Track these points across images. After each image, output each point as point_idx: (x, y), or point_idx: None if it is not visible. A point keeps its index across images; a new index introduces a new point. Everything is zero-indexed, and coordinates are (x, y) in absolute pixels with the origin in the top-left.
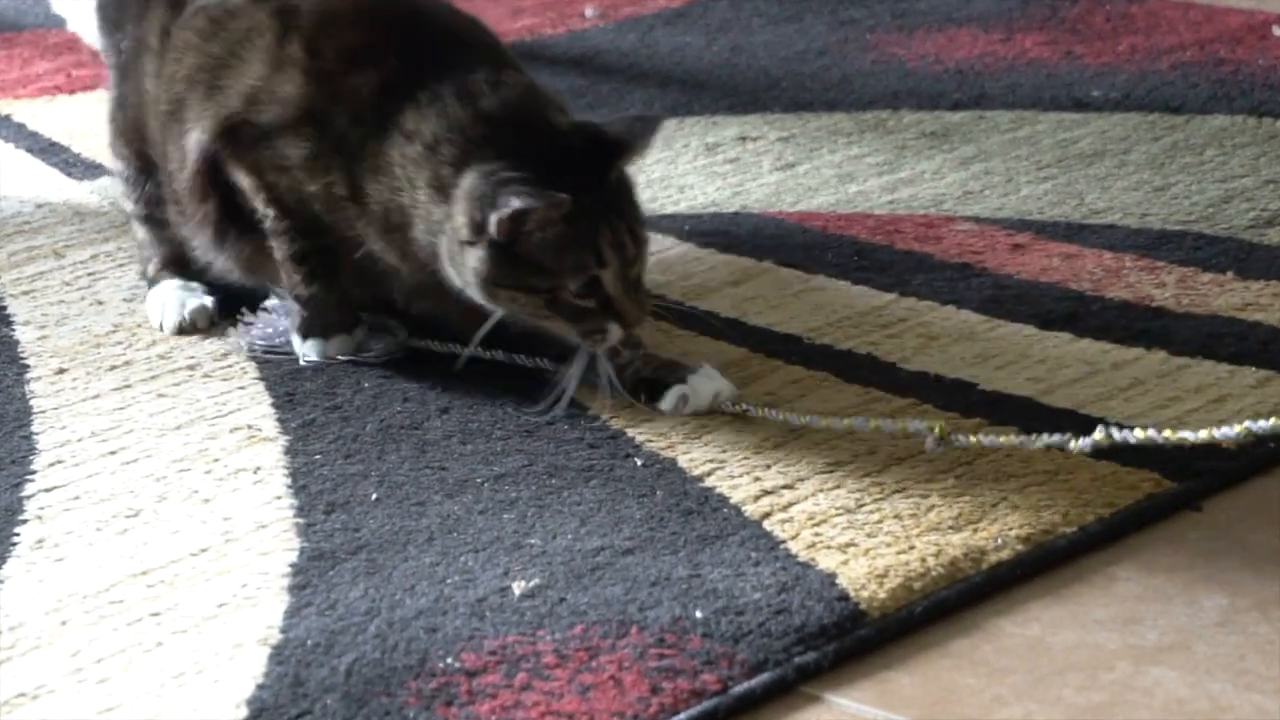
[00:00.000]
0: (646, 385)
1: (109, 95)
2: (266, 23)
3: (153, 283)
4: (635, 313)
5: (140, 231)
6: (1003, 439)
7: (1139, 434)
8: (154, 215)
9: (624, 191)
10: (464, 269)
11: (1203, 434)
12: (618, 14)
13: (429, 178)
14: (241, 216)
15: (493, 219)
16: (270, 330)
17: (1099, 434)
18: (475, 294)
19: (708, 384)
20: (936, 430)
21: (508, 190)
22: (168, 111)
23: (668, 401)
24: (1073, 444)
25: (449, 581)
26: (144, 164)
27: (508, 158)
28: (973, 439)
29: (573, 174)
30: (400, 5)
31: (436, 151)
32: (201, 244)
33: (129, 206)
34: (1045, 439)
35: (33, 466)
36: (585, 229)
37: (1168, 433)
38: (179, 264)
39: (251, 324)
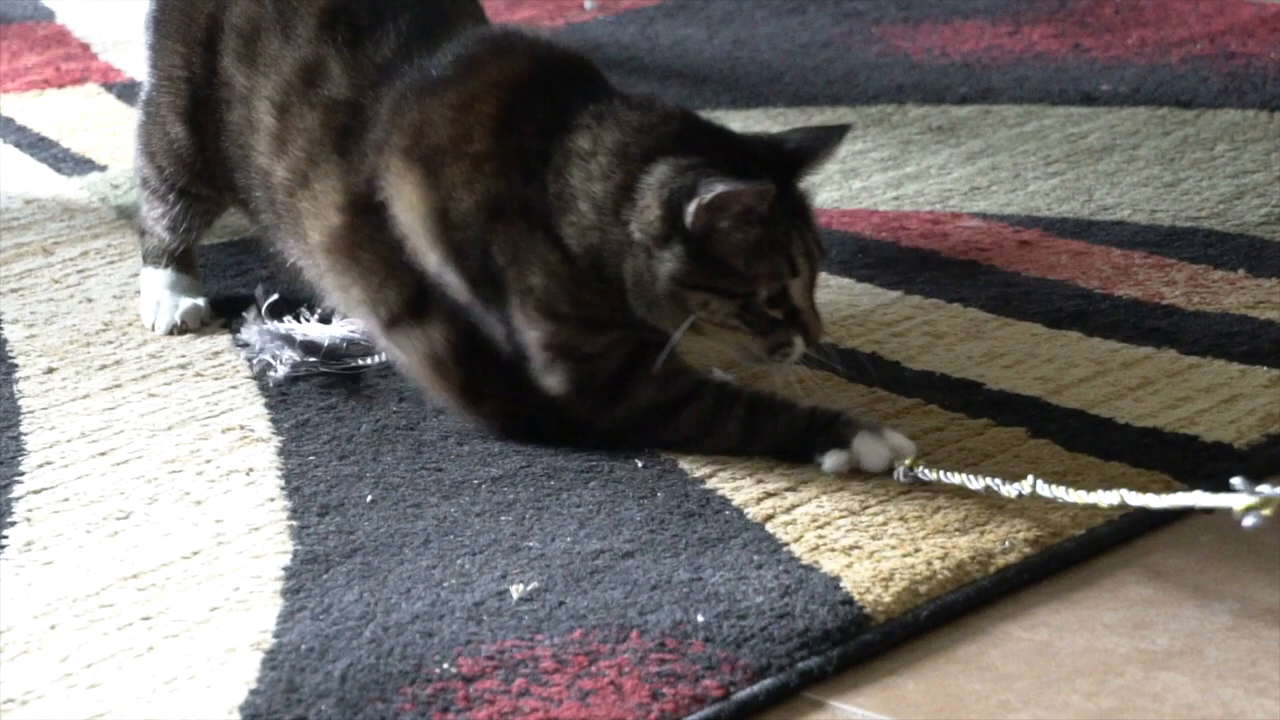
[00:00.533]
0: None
1: (145, 101)
2: (402, 165)
3: (150, 261)
4: (818, 326)
5: (156, 225)
6: (955, 477)
7: (1060, 491)
8: (177, 218)
9: (807, 203)
10: (654, 279)
11: (1114, 496)
12: (617, 6)
13: (618, 183)
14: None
15: (691, 206)
16: (265, 344)
17: (1025, 484)
18: (663, 305)
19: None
20: (908, 461)
21: (710, 178)
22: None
23: (830, 462)
24: (1004, 489)
25: (445, 585)
26: (183, 172)
27: (697, 156)
28: (930, 474)
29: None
30: (513, 59)
31: (625, 154)
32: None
33: (149, 208)
34: (984, 480)
35: (21, 468)
36: (780, 235)
37: (1081, 494)
38: (183, 260)
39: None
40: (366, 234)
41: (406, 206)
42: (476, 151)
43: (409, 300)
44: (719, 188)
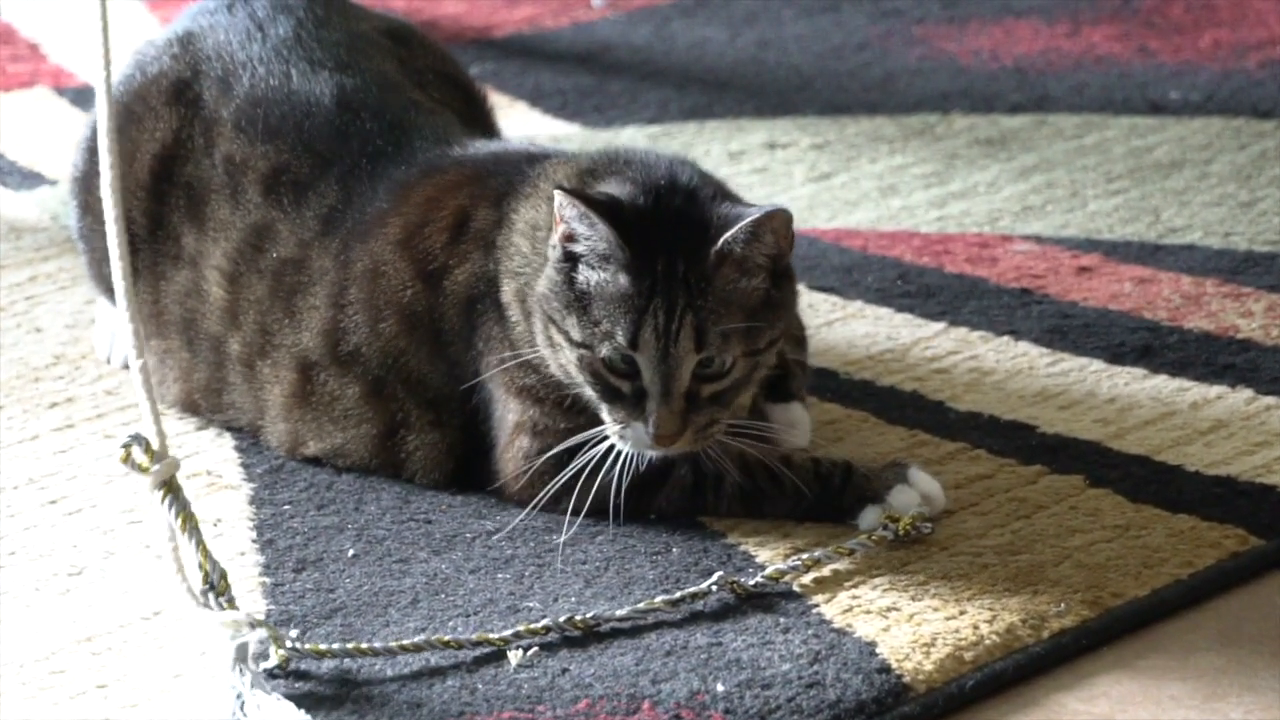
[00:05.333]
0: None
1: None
2: (368, 317)
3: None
4: (666, 426)
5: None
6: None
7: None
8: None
9: (730, 291)
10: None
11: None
12: (629, 4)
13: (538, 219)
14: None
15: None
16: None
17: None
18: (539, 340)
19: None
20: (905, 518)
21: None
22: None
23: (868, 520)
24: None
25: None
26: None
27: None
28: (928, 528)
29: (677, 243)
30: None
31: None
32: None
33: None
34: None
35: None
36: (639, 298)
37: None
38: None
39: None
40: (327, 384)
41: (390, 359)
42: (440, 265)
43: (387, 428)
44: (565, 189)
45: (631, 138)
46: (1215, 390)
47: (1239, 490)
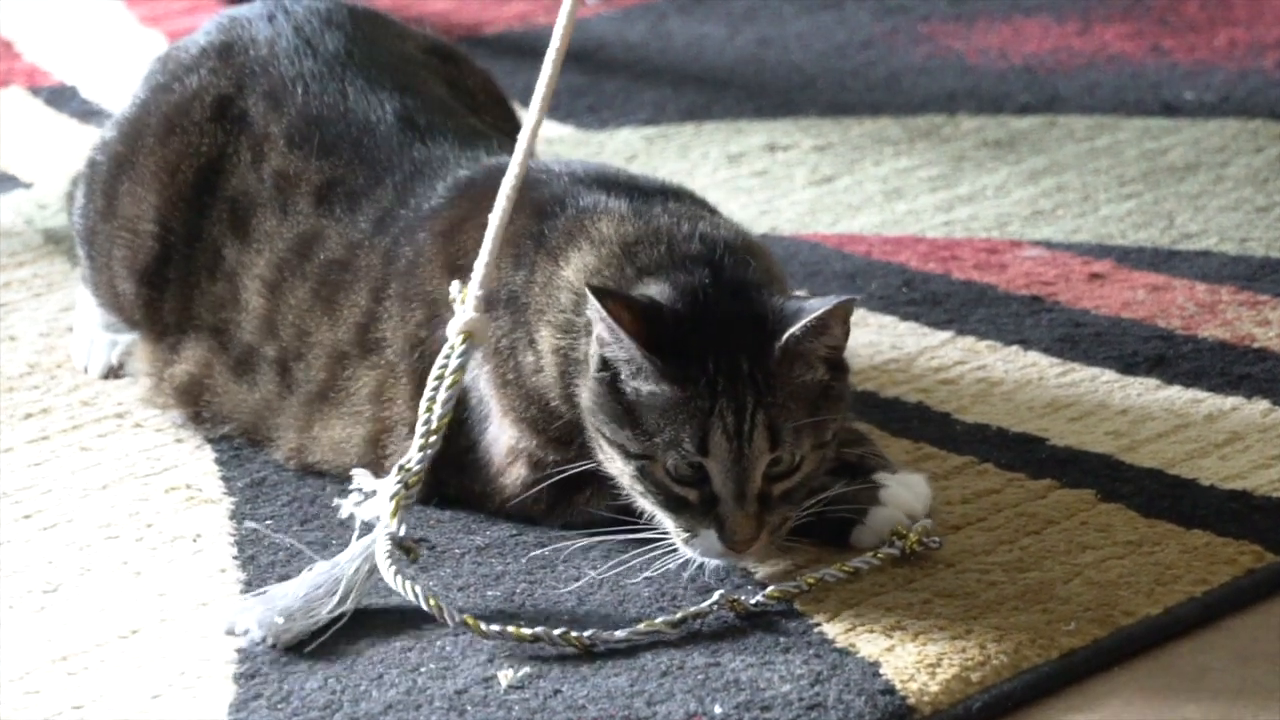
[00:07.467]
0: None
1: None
2: (400, 309)
3: (88, 285)
4: (743, 531)
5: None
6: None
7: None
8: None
9: (796, 385)
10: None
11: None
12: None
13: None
14: None
15: (591, 299)
16: None
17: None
18: (593, 444)
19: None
20: (912, 535)
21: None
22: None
23: (860, 539)
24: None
25: (423, 670)
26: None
27: (668, 284)
28: (936, 541)
29: (737, 339)
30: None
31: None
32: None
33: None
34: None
35: None
36: (700, 401)
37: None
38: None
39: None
40: (349, 378)
41: (409, 346)
42: (468, 263)
43: (381, 429)
44: (601, 294)
45: (627, 140)
46: (1231, 401)
47: (1255, 505)
